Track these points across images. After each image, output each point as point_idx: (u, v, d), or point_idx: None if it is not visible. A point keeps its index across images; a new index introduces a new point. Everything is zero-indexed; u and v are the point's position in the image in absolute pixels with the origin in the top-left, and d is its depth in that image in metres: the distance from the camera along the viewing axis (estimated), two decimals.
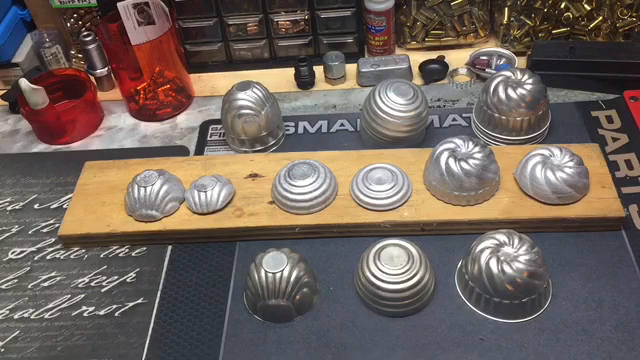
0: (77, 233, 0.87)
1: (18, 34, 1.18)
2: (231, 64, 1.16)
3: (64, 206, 0.93)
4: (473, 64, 1.10)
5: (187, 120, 1.08)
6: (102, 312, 0.80)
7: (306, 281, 0.75)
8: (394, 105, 0.90)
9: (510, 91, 0.90)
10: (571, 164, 0.82)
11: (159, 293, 0.81)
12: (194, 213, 0.86)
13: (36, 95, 0.99)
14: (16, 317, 0.81)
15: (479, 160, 0.81)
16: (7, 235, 0.91)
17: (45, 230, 0.91)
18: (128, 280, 0.83)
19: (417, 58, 1.13)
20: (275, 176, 0.87)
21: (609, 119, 0.98)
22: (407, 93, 0.90)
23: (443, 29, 1.15)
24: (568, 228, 0.83)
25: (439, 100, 1.06)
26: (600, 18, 1.08)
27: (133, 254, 0.86)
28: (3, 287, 0.84)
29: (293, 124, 1.04)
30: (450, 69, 1.10)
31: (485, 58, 1.11)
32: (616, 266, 0.79)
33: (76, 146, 1.05)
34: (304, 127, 1.03)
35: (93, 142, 1.06)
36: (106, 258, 0.86)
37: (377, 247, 0.76)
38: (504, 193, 0.85)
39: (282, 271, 0.73)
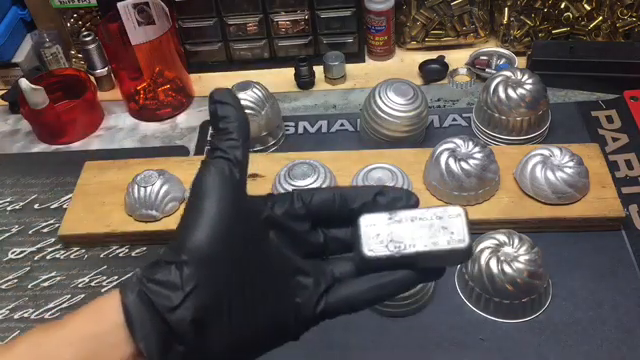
0: (77, 233, 0.87)
1: (18, 34, 1.18)
2: (231, 64, 1.16)
3: (64, 206, 0.93)
4: (473, 64, 1.10)
5: (187, 120, 1.08)
6: None
7: None
8: (394, 105, 0.90)
9: (510, 91, 0.90)
10: (571, 164, 0.82)
11: None
12: None
13: (36, 95, 0.99)
14: (16, 317, 0.81)
15: (479, 160, 0.81)
16: (7, 235, 0.91)
17: (45, 230, 0.91)
18: None
19: (417, 58, 1.13)
20: (275, 176, 0.87)
21: (609, 119, 0.98)
22: (407, 93, 0.90)
23: (443, 29, 1.15)
24: (568, 228, 0.83)
25: (439, 100, 1.06)
26: (600, 18, 1.08)
27: (133, 254, 0.86)
28: (3, 287, 0.84)
29: (293, 124, 1.04)
30: (450, 69, 1.10)
31: (485, 58, 1.11)
32: (616, 266, 0.79)
33: (76, 146, 1.05)
34: (304, 127, 1.03)
35: (93, 142, 1.06)
36: (106, 258, 0.86)
37: None
38: (504, 193, 0.85)
39: None
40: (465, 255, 0.41)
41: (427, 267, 0.42)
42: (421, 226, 0.41)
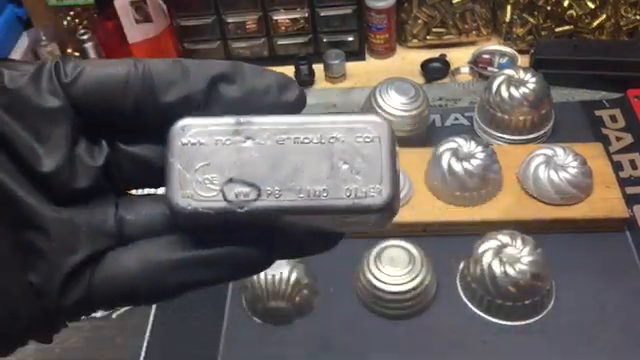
0: None
1: (14, 32, 1.17)
2: None
3: None
4: (475, 62, 1.09)
5: None
6: (99, 314, 0.79)
7: (306, 282, 0.74)
8: (395, 104, 0.89)
9: (513, 90, 0.89)
10: (574, 164, 0.81)
11: None
12: None
13: None
14: None
15: (481, 160, 0.80)
16: None
17: None
18: None
19: (418, 57, 1.12)
20: None
21: (613, 118, 0.97)
22: (408, 92, 0.89)
23: (445, 27, 1.14)
24: (571, 229, 0.82)
25: (441, 99, 1.05)
26: (604, 16, 1.07)
27: None
28: None
29: None
30: (452, 68, 1.09)
31: (487, 56, 1.10)
32: (620, 267, 0.78)
33: None
34: None
35: None
36: None
37: (378, 248, 0.75)
38: (507, 193, 0.84)
39: (281, 272, 0.72)
40: (381, 217, 0.22)
41: (300, 231, 0.22)
42: (302, 152, 0.22)
